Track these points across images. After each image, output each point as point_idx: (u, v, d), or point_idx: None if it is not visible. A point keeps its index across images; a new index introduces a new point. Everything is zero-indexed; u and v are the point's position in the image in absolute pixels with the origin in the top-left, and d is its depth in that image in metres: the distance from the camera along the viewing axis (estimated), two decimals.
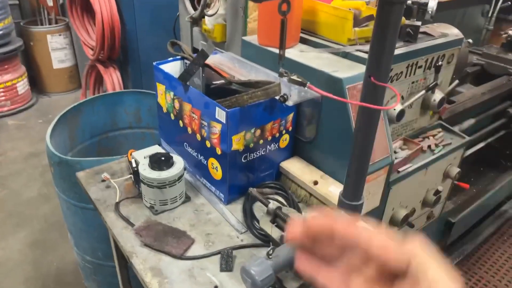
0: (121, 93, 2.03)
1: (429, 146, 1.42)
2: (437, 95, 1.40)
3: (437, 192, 1.44)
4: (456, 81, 1.46)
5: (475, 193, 2.11)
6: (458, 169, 1.50)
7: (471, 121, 1.85)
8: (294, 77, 0.78)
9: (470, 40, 1.63)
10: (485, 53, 2.20)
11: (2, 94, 3.75)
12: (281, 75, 0.86)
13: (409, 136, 1.42)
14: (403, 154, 1.31)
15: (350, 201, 0.90)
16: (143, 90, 2.04)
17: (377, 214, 1.31)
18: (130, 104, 2.05)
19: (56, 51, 4.01)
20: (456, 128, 1.64)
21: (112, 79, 2.71)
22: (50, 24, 4.05)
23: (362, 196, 0.91)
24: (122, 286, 1.53)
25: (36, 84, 4.22)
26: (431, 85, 1.32)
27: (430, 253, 0.34)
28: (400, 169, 1.28)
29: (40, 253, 2.27)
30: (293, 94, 1.08)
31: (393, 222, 1.37)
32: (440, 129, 1.53)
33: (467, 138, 1.52)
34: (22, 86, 3.90)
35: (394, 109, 1.21)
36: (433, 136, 1.48)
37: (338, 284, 0.39)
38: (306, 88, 0.60)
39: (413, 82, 1.31)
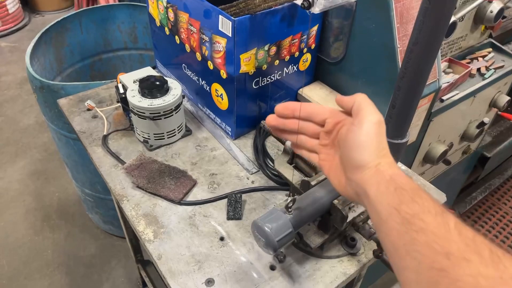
0: (111, 6, 1.75)
1: (478, 69, 1.17)
2: (495, 5, 1.12)
3: (481, 125, 1.23)
4: None
5: (511, 124, 1.89)
6: (508, 98, 1.27)
7: None
8: None
9: None
10: None
11: None
12: None
13: (455, 57, 1.17)
14: (448, 78, 1.07)
15: (392, 138, 0.69)
16: (138, 3, 1.75)
17: (410, 151, 1.12)
18: (124, 20, 1.78)
19: None
20: (506, 48, 1.37)
21: None
22: None
23: (407, 132, 0.71)
24: (122, 222, 1.41)
25: (28, 2, 3.87)
26: None
27: (368, 101, 0.48)
28: (444, 97, 1.06)
29: (41, 183, 2.17)
30: None
31: (428, 159, 1.18)
32: (490, 49, 1.27)
33: None
34: (12, 4, 3.57)
35: None
36: (483, 57, 1.22)
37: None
38: None
39: None
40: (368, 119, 0.46)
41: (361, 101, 0.48)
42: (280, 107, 0.55)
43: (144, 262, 1.58)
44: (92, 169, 1.57)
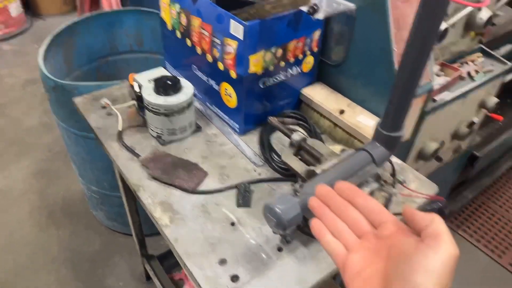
0: (119, 12, 1.82)
1: (468, 73, 1.26)
2: (484, 13, 1.20)
3: (471, 124, 1.31)
4: None
5: (500, 126, 1.98)
6: (496, 99, 1.35)
7: (508, 47, 1.66)
8: None
9: None
10: None
11: None
12: None
13: (447, 61, 1.25)
14: (440, 80, 1.16)
15: (389, 132, 0.77)
16: (145, 9, 1.82)
17: (405, 147, 1.20)
18: (130, 25, 1.85)
19: None
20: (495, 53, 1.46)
21: None
22: None
23: (403, 127, 0.78)
24: (130, 217, 1.47)
25: (30, 6, 3.93)
26: None
27: (447, 228, 0.41)
28: (436, 98, 1.14)
29: (45, 182, 2.22)
30: (324, 5, 0.90)
31: (421, 156, 1.26)
32: (480, 54, 1.35)
33: (510, 65, 1.35)
34: (15, 8, 3.62)
35: None
36: (473, 61, 1.31)
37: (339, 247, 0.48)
38: None
39: None
40: (448, 248, 0.40)
41: (441, 226, 0.41)
42: (345, 185, 0.50)
43: (149, 256, 1.64)
44: (100, 167, 1.63)
